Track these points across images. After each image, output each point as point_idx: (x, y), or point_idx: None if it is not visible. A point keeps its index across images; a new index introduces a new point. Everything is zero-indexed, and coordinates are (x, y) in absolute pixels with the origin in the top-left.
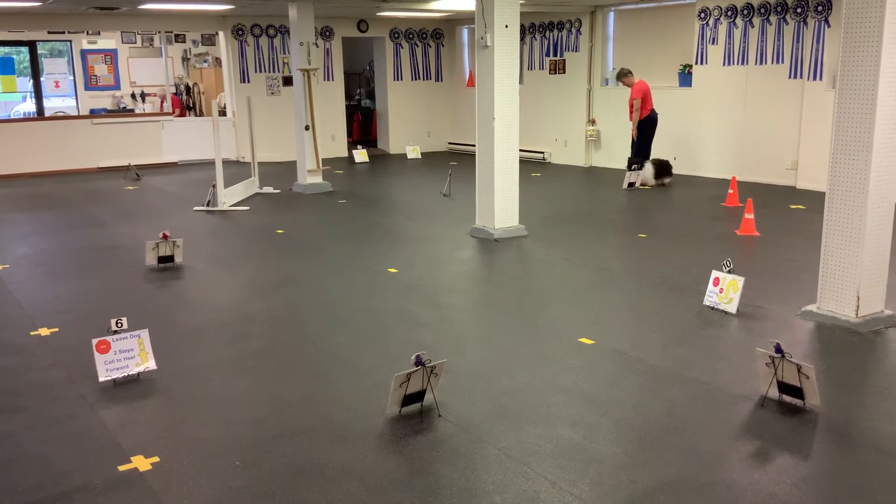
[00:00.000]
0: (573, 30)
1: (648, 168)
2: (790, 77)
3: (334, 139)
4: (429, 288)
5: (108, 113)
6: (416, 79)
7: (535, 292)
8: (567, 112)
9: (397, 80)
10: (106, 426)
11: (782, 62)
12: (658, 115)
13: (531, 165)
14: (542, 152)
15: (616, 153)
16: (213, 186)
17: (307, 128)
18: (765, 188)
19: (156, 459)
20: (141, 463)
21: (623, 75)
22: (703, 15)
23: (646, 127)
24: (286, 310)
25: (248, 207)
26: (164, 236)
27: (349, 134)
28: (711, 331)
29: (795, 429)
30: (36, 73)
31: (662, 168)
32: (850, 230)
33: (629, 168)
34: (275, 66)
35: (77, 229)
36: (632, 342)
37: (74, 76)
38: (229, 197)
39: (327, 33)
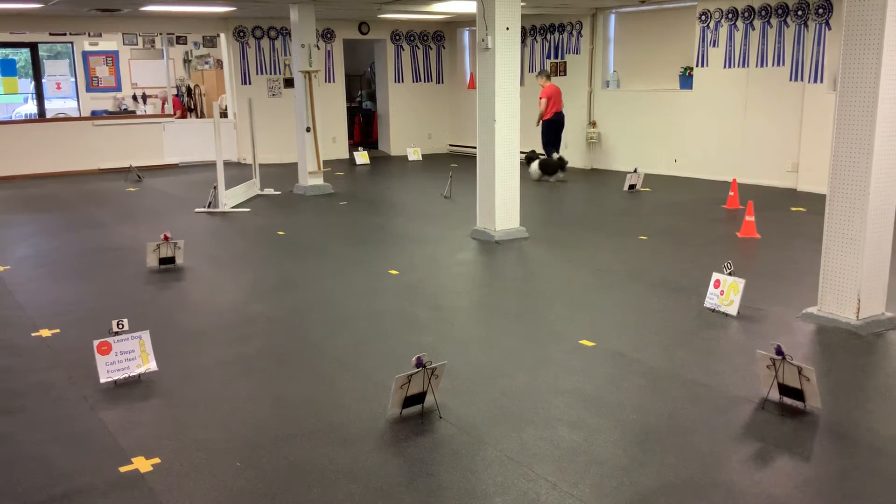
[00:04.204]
0: (574, 32)
1: (535, 164)
2: (791, 79)
3: (335, 141)
4: (429, 290)
5: (110, 114)
6: (417, 81)
7: (536, 294)
8: (568, 114)
9: (398, 82)
10: (107, 427)
11: (783, 65)
12: (564, 117)
13: None
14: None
15: (617, 156)
16: (215, 188)
17: (308, 129)
18: (765, 190)
19: (157, 460)
20: (142, 464)
21: (539, 75)
22: (703, 17)
23: (551, 125)
24: (287, 311)
25: (249, 209)
26: (166, 238)
27: (350, 136)
28: (712, 333)
29: (796, 431)
30: (37, 74)
31: (548, 166)
32: (851, 232)
33: (527, 161)
34: (276, 68)
35: (78, 231)
36: (632, 344)
37: (76, 78)
38: (230, 198)
39: (328, 35)
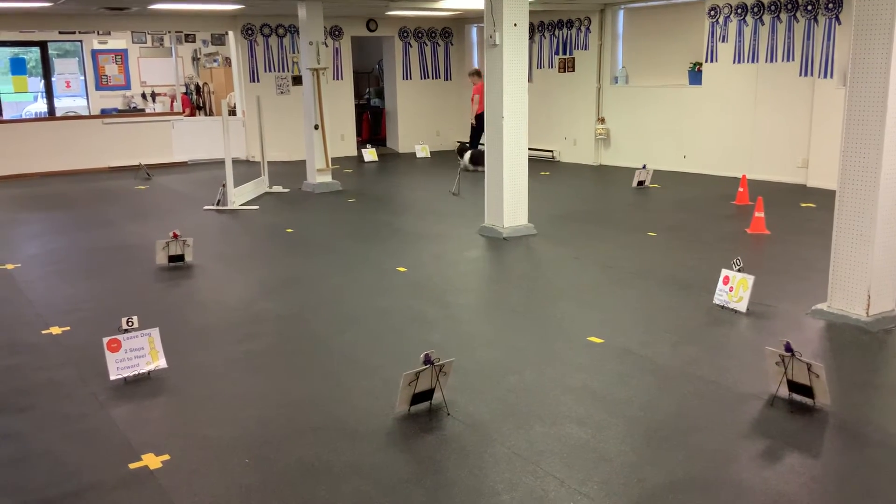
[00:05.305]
0: (582, 28)
1: (467, 156)
2: (800, 75)
3: (343, 138)
4: (438, 287)
5: (119, 113)
6: (425, 78)
7: (544, 291)
8: (576, 110)
9: (406, 79)
10: (116, 424)
11: (792, 60)
12: None
13: (540, 164)
14: (552, 151)
15: (625, 152)
16: (223, 186)
17: (316, 127)
18: (775, 186)
19: (166, 457)
20: (151, 461)
21: (471, 74)
22: (713, 13)
23: (480, 121)
24: (295, 308)
25: (257, 207)
26: (175, 235)
27: (358, 133)
28: (721, 329)
29: (805, 428)
30: (47, 73)
31: (481, 155)
32: (861, 228)
33: (459, 154)
34: (284, 66)
35: (88, 229)
36: (641, 341)
37: (85, 76)
38: (239, 196)
39: (336, 32)
